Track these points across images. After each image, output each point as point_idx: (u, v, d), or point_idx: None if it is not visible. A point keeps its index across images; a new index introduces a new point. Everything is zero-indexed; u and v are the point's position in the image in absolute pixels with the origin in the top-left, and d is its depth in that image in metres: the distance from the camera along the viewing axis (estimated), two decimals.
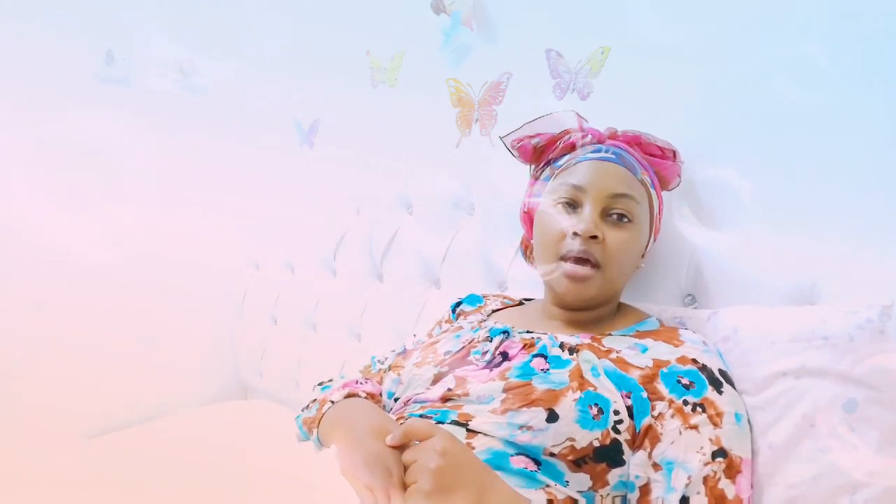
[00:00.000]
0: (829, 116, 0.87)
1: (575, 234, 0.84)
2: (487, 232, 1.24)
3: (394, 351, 1.03)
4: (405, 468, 0.68)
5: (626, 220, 0.86)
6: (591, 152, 0.91)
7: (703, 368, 0.76)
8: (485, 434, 0.73)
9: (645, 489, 0.72)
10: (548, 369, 0.77)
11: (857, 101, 0.85)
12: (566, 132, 0.96)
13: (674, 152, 0.94)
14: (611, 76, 1.10)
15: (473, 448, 0.72)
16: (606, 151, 0.90)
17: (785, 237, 0.89)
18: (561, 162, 0.93)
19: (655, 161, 0.94)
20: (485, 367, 0.82)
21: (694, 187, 1.01)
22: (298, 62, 1.72)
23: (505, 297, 1.07)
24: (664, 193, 0.98)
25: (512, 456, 0.72)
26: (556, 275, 0.86)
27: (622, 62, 1.09)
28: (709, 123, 0.99)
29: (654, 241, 0.95)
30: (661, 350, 0.79)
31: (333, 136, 1.67)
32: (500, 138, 1.00)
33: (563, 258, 0.85)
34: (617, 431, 0.72)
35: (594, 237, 0.83)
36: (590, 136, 0.94)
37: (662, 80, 1.04)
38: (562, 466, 0.71)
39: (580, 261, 0.84)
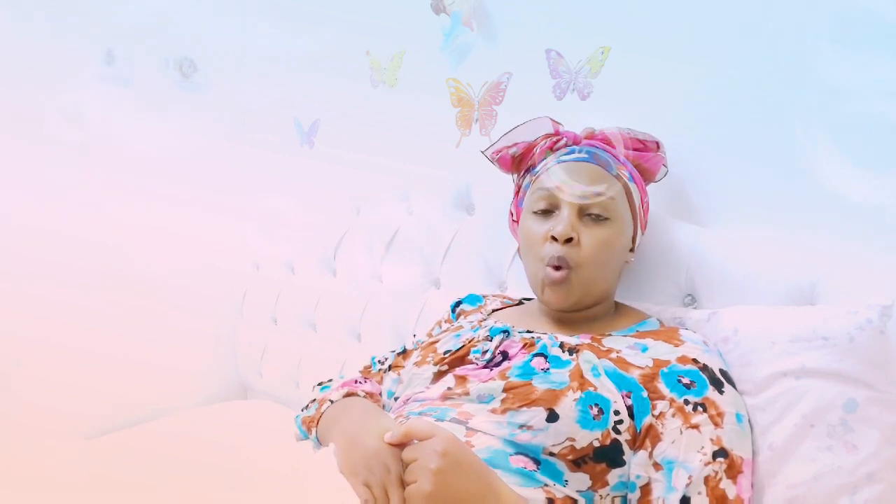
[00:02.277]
0: (829, 115, 0.87)
1: (553, 238, 0.85)
2: (487, 232, 1.24)
3: (394, 351, 1.03)
4: (404, 466, 0.68)
5: (603, 217, 0.86)
6: (565, 154, 0.91)
7: (704, 368, 0.76)
8: (484, 433, 0.74)
9: (646, 489, 0.72)
10: (548, 369, 0.77)
11: (856, 100, 0.85)
12: (542, 138, 0.96)
13: (657, 143, 0.95)
14: (611, 76, 1.11)
15: (473, 447, 0.72)
16: (580, 152, 0.91)
17: (785, 237, 0.89)
18: (538, 168, 0.94)
19: (638, 155, 0.94)
20: (485, 367, 0.82)
21: (694, 187, 1.01)
22: (298, 62, 1.72)
23: (504, 297, 1.07)
24: (654, 186, 0.98)
25: (511, 455, 0.72)
26: (538, 285, 0.88)
27: (622, 62, 1.09)
28: (709, 123, 0.99)
29: (643, 232, 0.95)
30: (661, 350, 0.79)
31: (333, 136, 1.67)
32: (482, 152, 1.01)
33: (547, 264, 0.86)
34: (617, 432, 0.72)
35: (570, 239, 0.84)
36: (564, 140, 0.95)
37: (662, 80, 1.04)
38: (561, 466, 0.71)
39: (556, 268, 0.85)
